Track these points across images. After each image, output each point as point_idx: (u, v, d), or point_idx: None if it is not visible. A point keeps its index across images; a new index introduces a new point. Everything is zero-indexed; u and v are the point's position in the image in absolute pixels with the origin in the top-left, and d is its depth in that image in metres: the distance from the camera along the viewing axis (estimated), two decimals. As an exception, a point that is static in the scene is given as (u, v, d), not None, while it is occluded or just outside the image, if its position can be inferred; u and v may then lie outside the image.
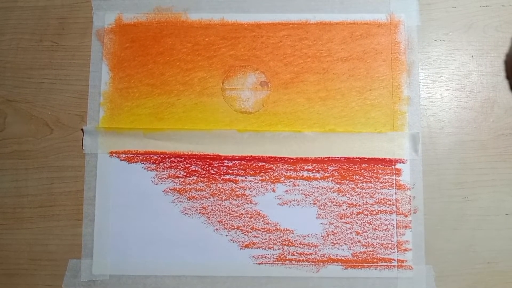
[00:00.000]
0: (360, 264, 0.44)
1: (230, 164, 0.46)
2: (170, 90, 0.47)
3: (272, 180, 0.46)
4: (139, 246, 0.45)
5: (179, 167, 0.46)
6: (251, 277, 0.45)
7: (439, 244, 0.45)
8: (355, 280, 0.44)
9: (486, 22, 0.48)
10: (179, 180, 0.46)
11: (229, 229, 0.45)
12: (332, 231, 0.45)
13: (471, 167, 0.46)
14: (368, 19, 0.48)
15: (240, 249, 0.45)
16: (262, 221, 0.45)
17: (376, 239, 0.45)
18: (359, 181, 0.46)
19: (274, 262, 0.45)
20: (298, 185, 0.46)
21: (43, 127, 0.47)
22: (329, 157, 0.46)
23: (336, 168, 0.46)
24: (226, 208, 0.45)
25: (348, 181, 0.46)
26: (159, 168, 0.46)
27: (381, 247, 0.45)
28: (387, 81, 0.47)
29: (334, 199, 0.45)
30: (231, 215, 0.45)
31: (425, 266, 0.44)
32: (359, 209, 0.45)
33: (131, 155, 0.46)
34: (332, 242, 0.45)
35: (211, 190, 0.46)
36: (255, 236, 0.45)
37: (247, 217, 0.45)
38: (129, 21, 0.48)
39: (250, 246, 0.45)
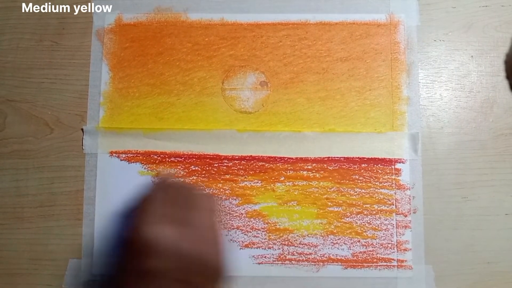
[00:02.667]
0: (360, 264, 0.44)
1: (230, 164, 0.46)
2: (170, 90, 0.47)
3: (272, 180, 0.46)
4: (139, 246, 0.45)
5: (179, 167, 0.46)
6: (251, 276, 0.45)
7: (439, 244, 0.45)
8: (355, 280, 0.44)
9: (486, 22, 0.48)
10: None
11: (229, 229, 0.45)
12: (332, 231, 0.45)
13: (470, 167, 0.46)
14: (367, 19, 0.48)
15: (240, 248, 0.45)
16: (262, 221, 0.45)
17: (376, 239, 0.45)
18: (359, 181, 0.46)
19: (274, 262, 0.45)
20: (298, 185, 0.46)
21: (43, 127, 0.47)
22: (329, 157, 0.46)
23: (335, 168, 0.46)
24: (226, 208, 0.45)
25: (347, 181, 0.46)
26: (159, 168, 0.46)
27: (381, 247, 0.45)
28: (386, 81, 0.47)
29: (334, 199, 0.45)
30: (231, 215, 0.45)
31: (425, 266, 0.44)
32: (358, 209, 0.45)
33: (131, 155, 0.46)
34: (332, 242, 0.45)
35: (211, 190, 0.46)
36: (255, 236, 0.45)
37: (247, 217, 0.45)
38: (129, 21, 0.48)
39: (250, 246, 0.45)
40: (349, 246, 0.45)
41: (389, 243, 0.45)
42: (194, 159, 0.46)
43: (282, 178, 0.46)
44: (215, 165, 0.46)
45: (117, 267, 0.31)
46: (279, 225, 0.45)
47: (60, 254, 0.45)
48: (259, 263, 0.45)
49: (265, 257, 0.45)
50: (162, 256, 0.29)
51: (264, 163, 0.46)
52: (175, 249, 0.30)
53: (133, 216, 0.32)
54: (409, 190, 0.45)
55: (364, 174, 0.46)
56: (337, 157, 0.46)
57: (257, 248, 0.45)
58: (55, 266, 0.45)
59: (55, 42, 0.48)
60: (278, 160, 0.46)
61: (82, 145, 0.46)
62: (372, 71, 0.47)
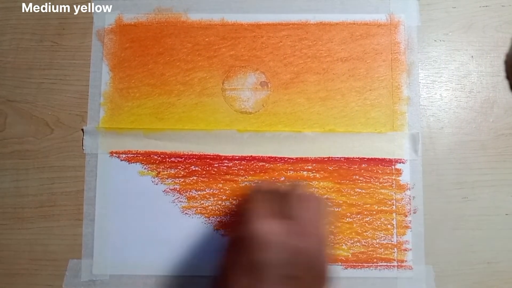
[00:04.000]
0: (360, 264, 0.44)
1: (230, 164, 0.46)
2: (170, 90, 0.47)
3: (272, 180, 0.46)
4: (139, 246, 0.45)
5: (179, 167, 0.46)
6: (251, 277, 0.45)
7: (439, 244, 0.45)
8: (355, 280, 0.44)
9: (486, 22, 0.48)
10: (179, 180, 0.46)
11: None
12: (332, 231, 0.45)
13: (470, 167, 0.46)
14: (368, 20, 0.48)
15: (240, 249, 0.45)
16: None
17: (376, 239, 0.45)
18: (359, 181, 0.46)
19: (274, 262, 0.45)
20: (298, 185, 0.46)
21: (43, 127, 0.47)
22: (329, 157, 0.46)
23: (336, 168, 0.46)
24: (226, 208, 0.45)
25: (348, 181, 0.46)
26: (159, 168, 0.46)
27: (381, 247, 0.45)
28: (387, 81, 0.47)
29: (333, 199, 0.45)
30: (231, 215, 0.45)
31: (425, 266, 0.44)
32: (358, 209, 0.45)
33: (131, 155, 0.46)
34: (332, 242, 0.45)
35: (211, 190, 0.46)
36: (255, 236, 0.45)
37: (247, 217, 0.45)
38: (129, 21, 0.48)
39: (250, 246, 0.45)
40: (349, 246, 0.45)
41: (389, 243, 0.45)
42: (195, 159, 0.46)
43: (283, 178, 0.46)
44: (215, 165, 0.46)
45: (225, 262, 0.32)
46: (279, 225, 0.45)
47: (60, 254, 0.45)
48: (259, 263, 0.45)
49: (265, 257, 0.45)
50: (271, 250, 0.30)
51: (264, 163, 0.46)
52: (284, 243, 0.30)
53: (241, 213, 0.34)
54: (409, 190, 0.45)
55: (364, 174, 0.46)
56: (337, 157, 0.46)
57: (257, 248, 0.45)
58: (55, 266, 0.45)
59: (55, 43, 0.48)
60: (278, 160, 0.46)
61: (83, 146, 0.46)
62: (373, 71, 0.47)
